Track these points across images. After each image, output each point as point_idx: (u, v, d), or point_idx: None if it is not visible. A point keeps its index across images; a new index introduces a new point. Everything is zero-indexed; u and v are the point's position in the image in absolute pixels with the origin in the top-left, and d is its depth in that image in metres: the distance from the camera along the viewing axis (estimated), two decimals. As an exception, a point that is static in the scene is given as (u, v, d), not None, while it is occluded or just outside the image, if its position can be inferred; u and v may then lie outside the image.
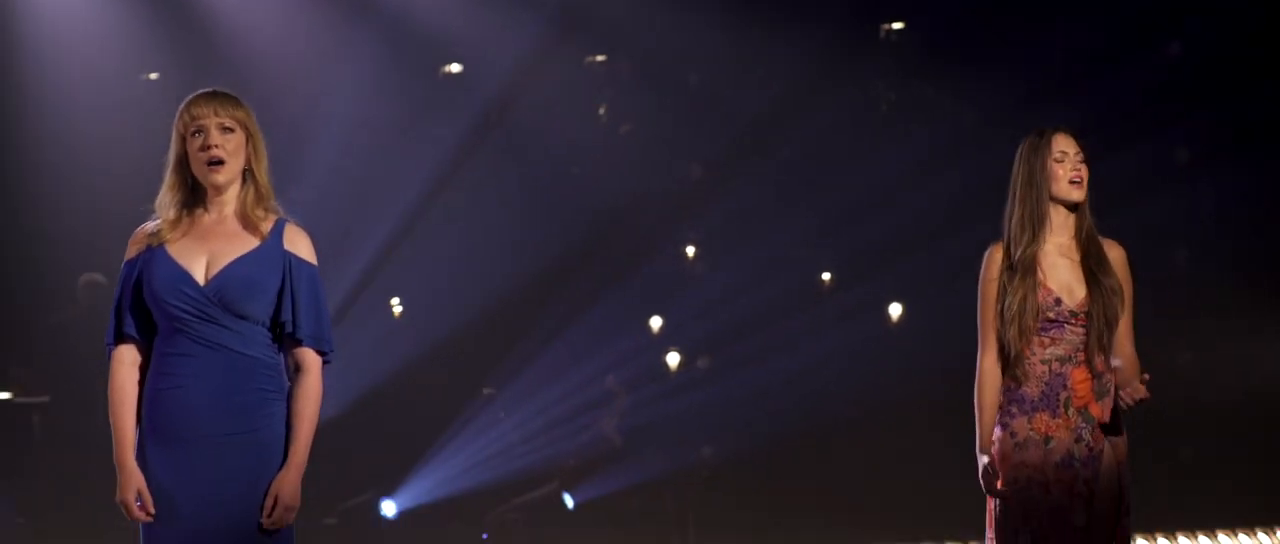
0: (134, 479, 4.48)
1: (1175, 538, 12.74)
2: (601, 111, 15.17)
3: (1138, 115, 14.37)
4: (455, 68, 14.54)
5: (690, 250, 14.64)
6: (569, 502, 12.12)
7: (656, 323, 14.32)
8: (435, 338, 12.92)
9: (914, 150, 14.36)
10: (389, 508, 11.78)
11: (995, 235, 5.69)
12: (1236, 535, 12.93)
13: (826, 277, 14.80)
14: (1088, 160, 5.60)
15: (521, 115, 14.08)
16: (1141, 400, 5.44)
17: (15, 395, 12.51)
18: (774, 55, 14.19)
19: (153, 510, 4.47)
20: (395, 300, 13.64)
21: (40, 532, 11.00)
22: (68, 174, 12.54)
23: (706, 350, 13.94)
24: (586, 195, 14.00)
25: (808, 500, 12.84)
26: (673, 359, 14.01)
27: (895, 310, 14.29)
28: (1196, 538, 12.74)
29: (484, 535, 11.79)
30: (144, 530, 4.52)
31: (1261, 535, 12.88)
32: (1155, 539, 12.42)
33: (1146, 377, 5.53)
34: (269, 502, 4.48)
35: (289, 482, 4.51)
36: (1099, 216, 13.19)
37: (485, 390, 12.95)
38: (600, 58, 15.06)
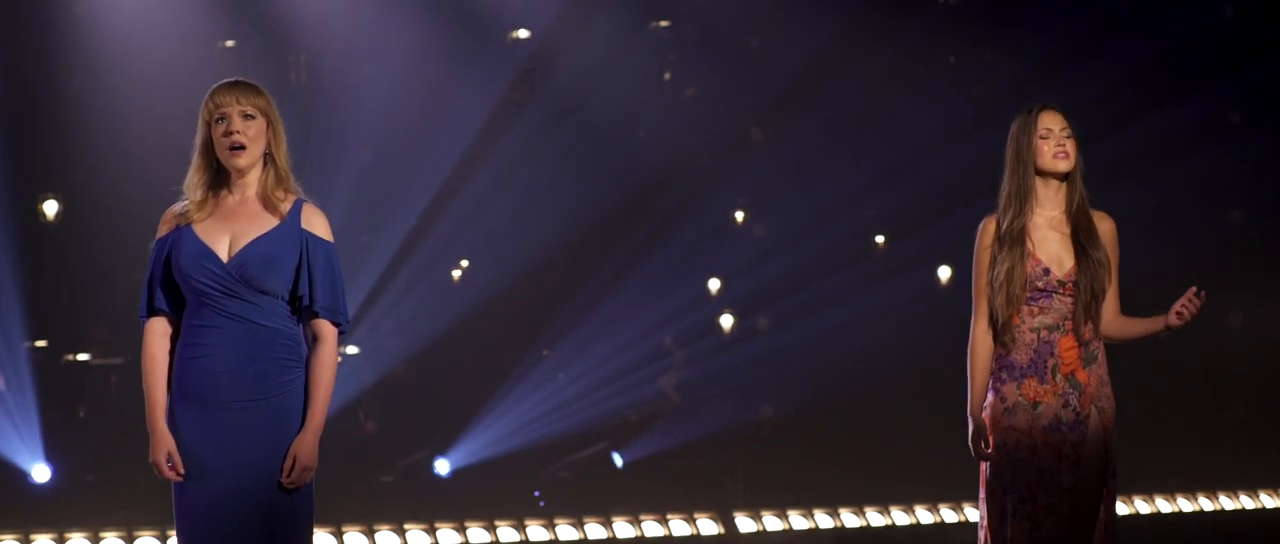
0: (165, 442, 4.83)
1: (1149, 500, 12.89)
2: (666, 77, 15.43)
3: (1190, 73, 14.48)
4: (523, 33, 14.84)
5: (749, 212, 14.88)
6: (618, 460, 12.43)
7: (715, 285, 14.59)
8: (490, 298, 13.25)
9: (969, 111, 14.54)
10: (443, 466, 12.13)
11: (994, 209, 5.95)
12: (1215, 497, 13.08)
13: (880, 239, 15.03)
14: (1075, 136, 5.84)
15: (586, 80, 14.37)
16: (1193, 315, 5.66)
17: (93, 357, 12.97)
18: (828, 17, 14.40)
19: (182, 470, 4.82)
20: (465, 262, 13.99)
21: (111, 485, 11.43)
22: (143, 141, 12.93)
23: (765, 311, 14.20)
24: (648, 157, 14.27)
25: (857, 459, 13.08)
26: (727, 321, 14.28)
27: (944, 272, 14.51)
28: (1175, 499, 12.89)
29: (536, 493, 12.10)
30: (175, 489, 4.86)
31: (1244, 498, 13.02)
32: (1152, 501, 12.59)
33: (1194, 288, 5.70)
34: (288, 462, 4.80)
35: (307, 443, 4.82)
36: (1138, 178, 13.17)
37: (545, 352, 13.27)
38: (664, 23, 15.31)
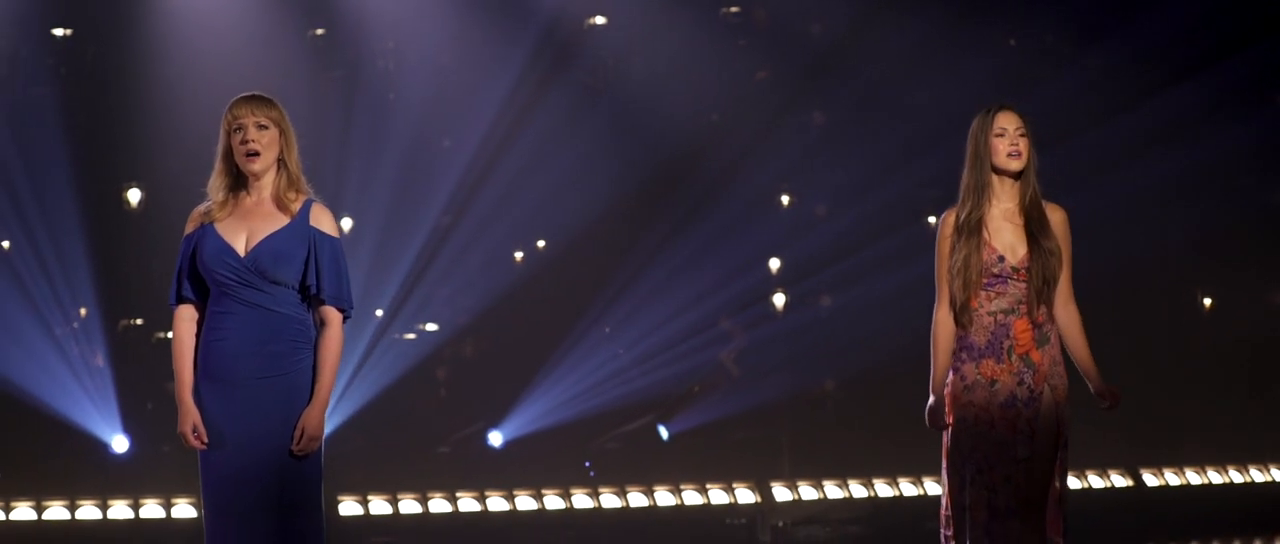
0: (191, 415, 5.44)
1: (1180, 472, 13.21)
2: (736, 64, 15.91)
3: (1234, 46, 14.69)
4: (600, 20, 15.36)
5: (808, 189, 15.32)
6: (664, 433, 12.99)
7: (775, 263, 15.07)
8: (545, 273, 13.84)
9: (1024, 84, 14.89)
10: (496, 438, 12.74)
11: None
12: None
13: (932, 220, 15.41)
14: (1029, 134, 6.31)
15: (655, 65, 14.87)
16: (1114, 406, 6.19)
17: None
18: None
19: (206, 439, 5.45)
20: (541, 243, 14.54)
21: (184, 455, 12.13)
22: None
23: (824, 287, 14.66)
24: (708, 136, 14.76)
25: (906, 430, 13.48)
26: (780, 298, 14.76)
27: None
28: (1205, 471, 13.20)
29: (587, 464, 12.70)
30: (201, 457, 5.47)
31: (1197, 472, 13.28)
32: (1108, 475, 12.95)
33: (1114, 388, 6.25)
34: (297, 432, 5.39)
35: (314, 416, 5.41)
36: (1183, 151, 13.32)
37: (606, 329, 13.85)
38: (734, 9, 15.80)
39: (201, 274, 5.49)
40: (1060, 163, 13.49)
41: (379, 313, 13.80)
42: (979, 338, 6.26)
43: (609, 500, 12.25)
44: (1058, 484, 6.28)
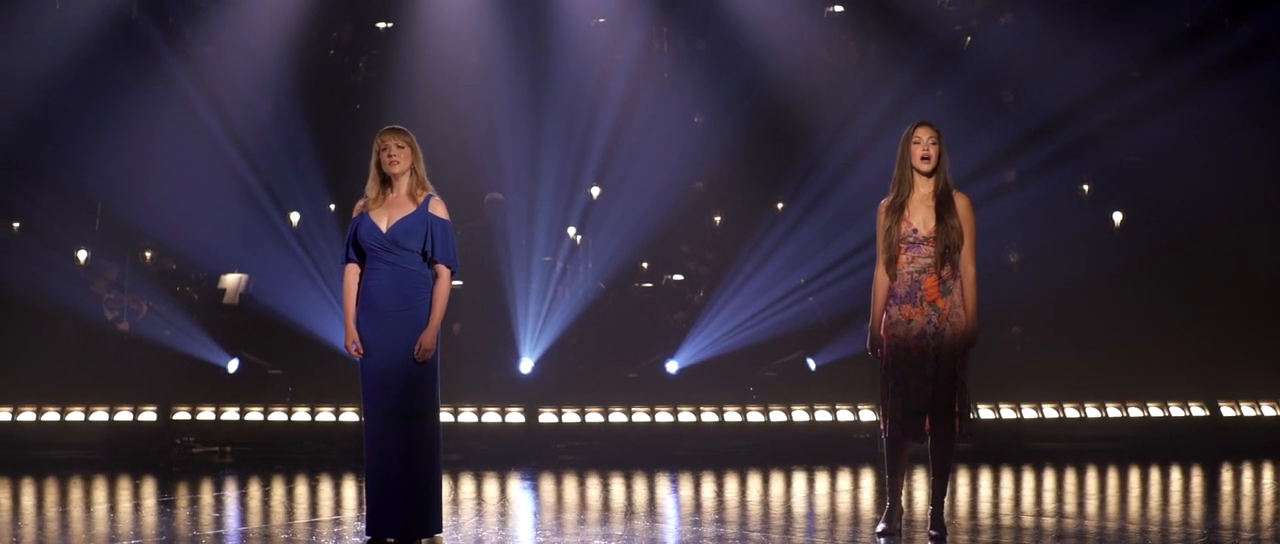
0: (352, 335, 8.41)
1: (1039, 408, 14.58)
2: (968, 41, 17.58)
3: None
4: (838, 8, 17.31)
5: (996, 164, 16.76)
6: (812, 365, 15.20)
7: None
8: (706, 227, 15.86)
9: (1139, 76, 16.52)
10: (672, 366, 15.16)
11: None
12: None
13: (1087, 187, 17.08)
14: (940, 143, 8.73)
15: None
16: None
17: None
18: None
19: (362, 351, 8.49)
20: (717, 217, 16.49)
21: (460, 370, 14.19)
22: (462, 123, 15.92)
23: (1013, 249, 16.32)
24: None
25: (1040, 363, 15.26)
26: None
27: (1117, 217, 16.70)
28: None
29: (750, 388, 14.97)
30: (361, 362, 8.52)
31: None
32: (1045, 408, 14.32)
33: (970, 334, 8.56)
34: (417, 346, 8.32)
35: (428, 336, 8.31)
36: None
37: (801, 280, 15.86)
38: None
39: (360, 244, 8.52)
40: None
41: (645, 265, 16.05)
42: (901, 289, 8.78)
43: (754, 416, 14.59)
44: (959, 395, 8.76)
